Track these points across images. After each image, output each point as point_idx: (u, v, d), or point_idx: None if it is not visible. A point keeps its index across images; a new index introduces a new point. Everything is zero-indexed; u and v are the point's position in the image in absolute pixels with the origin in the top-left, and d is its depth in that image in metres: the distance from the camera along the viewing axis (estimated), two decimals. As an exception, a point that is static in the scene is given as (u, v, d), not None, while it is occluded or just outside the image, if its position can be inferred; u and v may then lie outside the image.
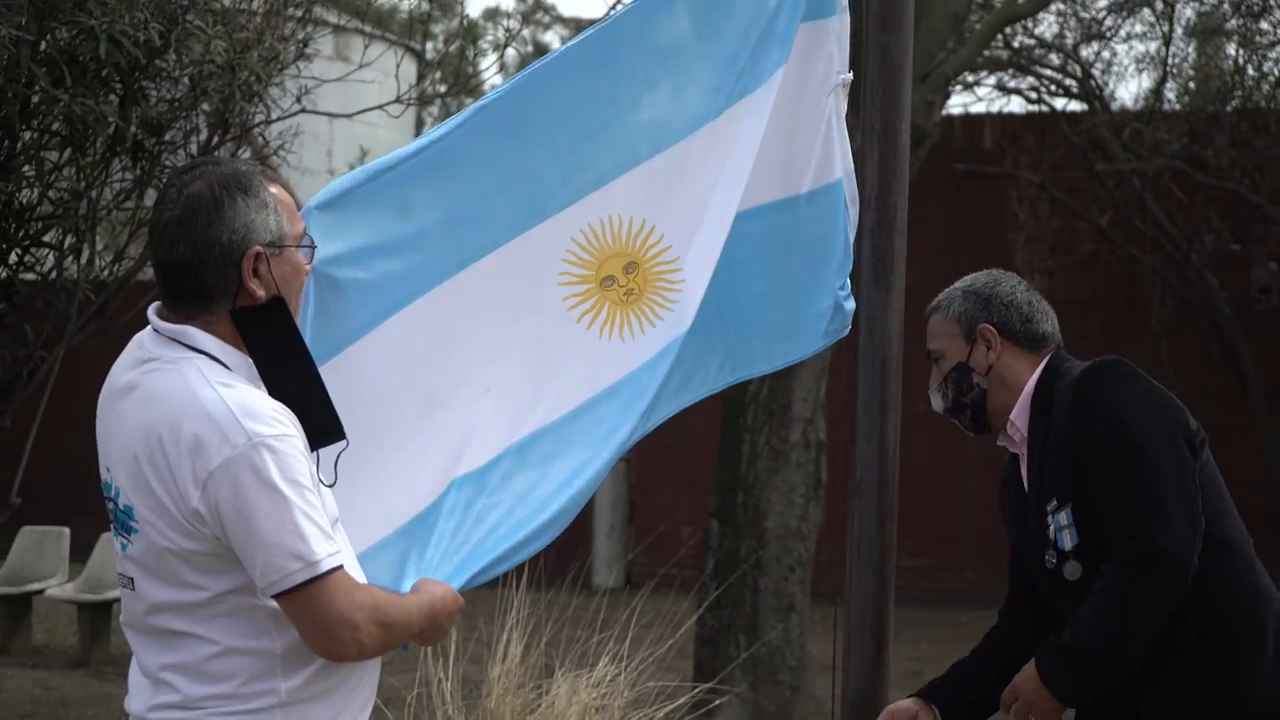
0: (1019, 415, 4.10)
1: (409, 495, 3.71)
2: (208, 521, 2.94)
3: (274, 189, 3.13)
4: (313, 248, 3.27)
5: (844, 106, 4.21)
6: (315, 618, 2.97)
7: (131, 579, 3.08)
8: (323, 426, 3.11)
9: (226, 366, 3.03)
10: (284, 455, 2.94)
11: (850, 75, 4.19)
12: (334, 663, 3.07)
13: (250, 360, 3.08)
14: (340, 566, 3.00)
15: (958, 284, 4.23)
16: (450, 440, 3.79)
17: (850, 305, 4.25)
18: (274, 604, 3.00)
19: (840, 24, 4.19)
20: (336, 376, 3.53)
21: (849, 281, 4.25)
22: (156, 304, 3.13)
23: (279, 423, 2.97)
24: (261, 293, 3.07)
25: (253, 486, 2.91)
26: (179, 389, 2.98)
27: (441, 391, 3.81)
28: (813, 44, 4.17)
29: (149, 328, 3.11)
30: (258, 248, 3.06)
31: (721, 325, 4.11)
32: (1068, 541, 3.95)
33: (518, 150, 3.90)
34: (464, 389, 3.83)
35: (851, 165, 4.23)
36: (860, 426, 4.20)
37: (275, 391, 3.05)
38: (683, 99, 4.08)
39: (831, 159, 4.20)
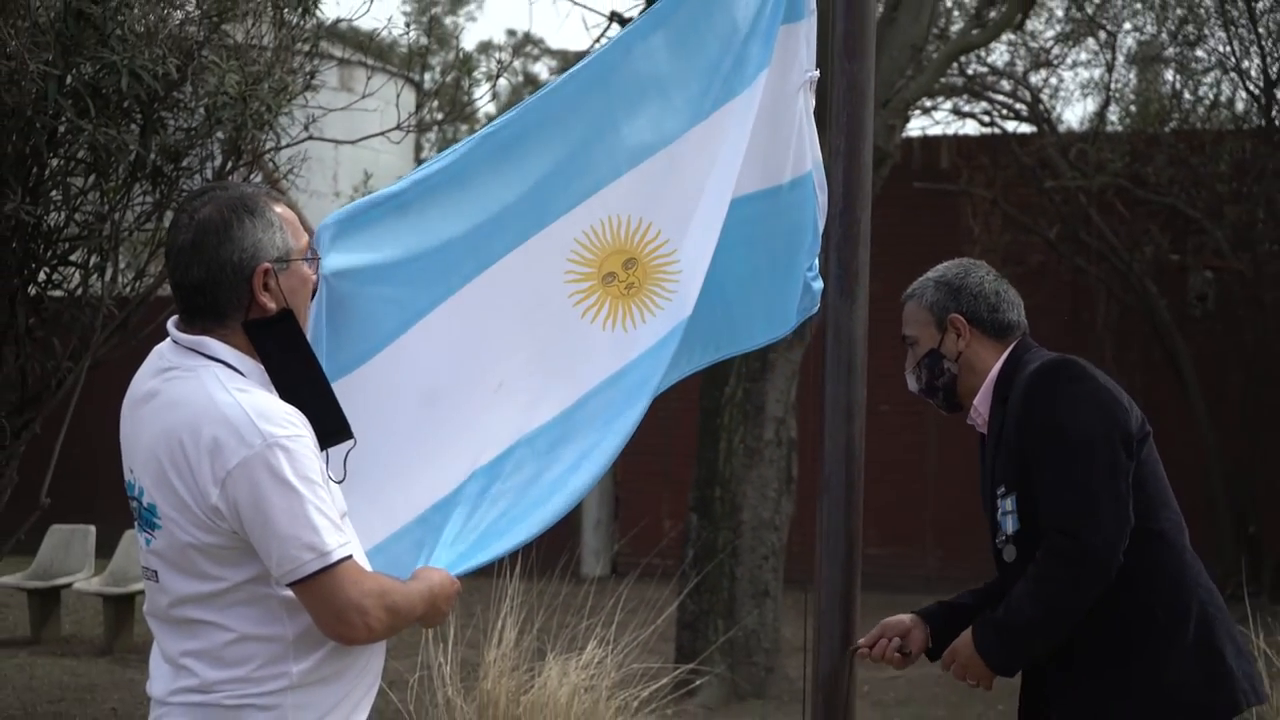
0: (982, 401, 4.12)
1: (429, 486, 3.74)
2: (226, 517, 2.96)
3: (278, 208, 3.15)
4: (317, 259, 3.29)
5: (813, 101, 4.24)
6: (328, 604, 2.99)
7: (155, 572, 3.09)
8: (331, 427, 3.12)
9: (241, 373, 3.05)
10: (296, 454, 2.96)
11: (817, 73, 4.22)
12: (344, 646, 3.08)
13: (263, 367, 3.10)
14: (350, 556, 3.01)
15: (930, 273, 4.23)
16: (468, 435, 3.82)
17: (818, 285, 4.27)
18: (287, 593, 3.02)
19: (809, 26, 4.22)
20: (367, 382, 3.63)
21: (816, 263, 4.27)
22: (175, 318, 3.14)
23: (291, 424, 2.99)
24: (272, 305, 3.09)
25: (268, 483, 2.93)
26: (198, 394, 3.00)
27: (459, 391, 3.84)
28: (788, 45, 4.20)
29: (168, 339, 3.13)
30: (266, 264, 3.08)
31: (709, 307, 4.12)
32: (1009, 526, 3.98)
33: (521, 166, 3.94)
34: (480, 386, 3.86)
35: (820, 155, 4.25)
36: (828, 426, 4.21)
37: (286, 396, 3.07)
38: (671, 107, 4.10)
39: (804, 151, 4.23)
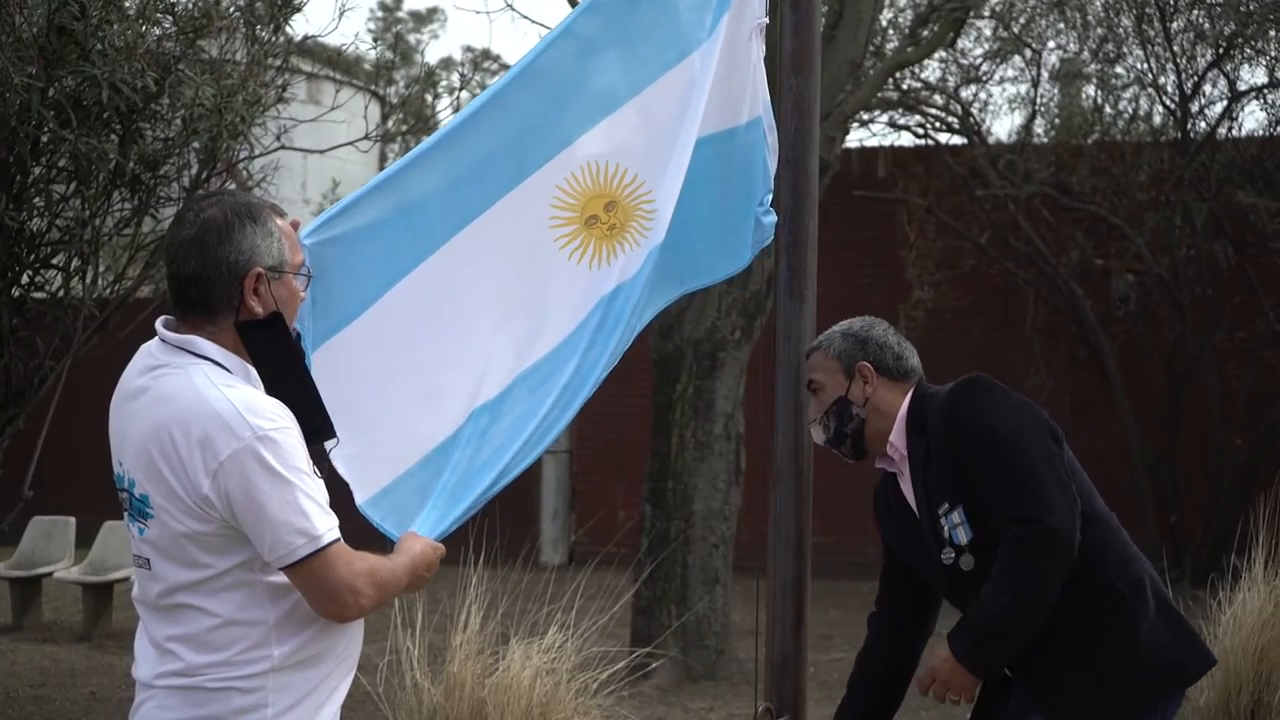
0: (897, 437, 4.12)
1: (430, 430, 3.76)
2: (217, 506, 2.95)
3: (280, 221, 3.16)
4: (309, 277, 3.29)
5: (763, 49, 4.22)
6: (320, 585, 3.00)
7: (148, 559, 3.07)
8: (316, 426, 3.11)
9: (229, 370, 3.04)
10: (284, 445, 2.96)
11: (767, 20, 4.22)
12: (335, 624, 3.09)
13: (248, 365, 3.09)
14: (339, 539, 3.02)
15: (836, 327, 4.25)
16: (465, 377, 3.84)
17: (769, 219, 4.23)
18: (271, 578, 3.02)
19: None
20: (361, 335, 3.65)
21: (768, 199, 4.23)
22: (164, 318, 3.13)
23: (278, 417, 2.99)
24: (260, 309, 3.09)
25: (258, 474, 2.93)
26: (187, 390, 2.99)
27: (453, 337, 3.86)
28: None
29: (156, 338, 3.11)
30: (259, 269, 3.07)
31: (674, 245, 4.11)
32: (963, 537, 3.97)
33: (500, 123, 3.96)
34: (474, 331, 3.88)
35: (769, 99, 4.23)
36: (779, 421, 4.21)
37: (273, 394, 3.06)
38: (639, 59, 4.12)
39: (757, 94, 4.21)
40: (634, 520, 10.73)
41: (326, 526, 2.99)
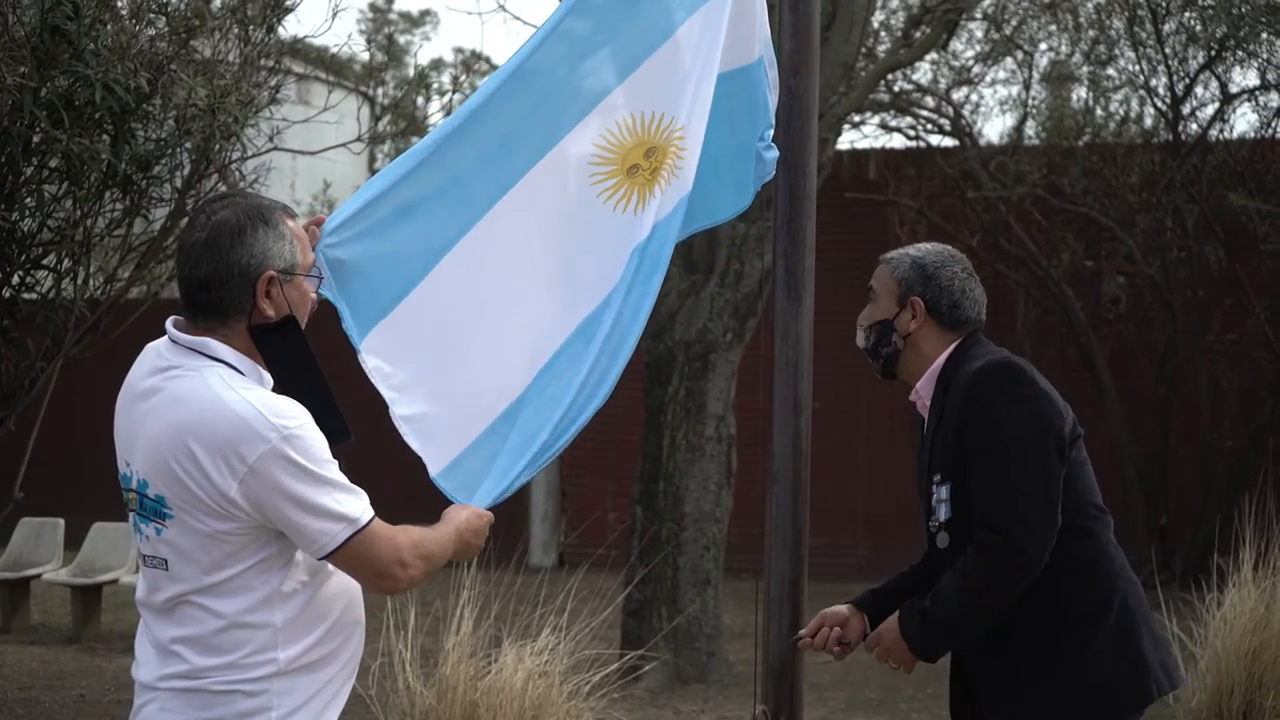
0: (925, 386, 4.06)
1: (495, 397, 3.76)
2: (243, 507, 2.96)
3: (291, 223, 3.16)
4: (320, 279, 3.31)
5: None
6: (367, 564, 3.06)
7: (165, 560, 3.06)
8: (330, 428, 3.10)
9: (242, 373, 3.05)
10: (308, 440, 2.98)
11: None
12: (387, 594, 3.15)
13: (260, 368, 3.10)
14: (374, 517, 3.05)
15: (912, 249, 4.18)
16: (525, 341, 3.83)
17: (771, 154, 4.19)
18: (280, 583, 3.03)
19: None
20: (414, 312, 3.67)
21: (769, 134, 4.20)
22: (173, 318, 3.12)
23: (298, 414, 3.00)
24: (271, 312, 3.09)
25: (288, 473, 2.94)
26: (203, 393, 2.99)
27: (510, 302, 3.86)
28: None
29: (165, 339, 3.11)
30: (272, 272, 3.08)
31: (697, 184, 4.11)
32: (943, 514, 3.95)
33: (526, 94, 3.94)
34: (529, 293, 3.89)
35: (769, 33, 4.23)
36: (777, 422, 4.20)
37: (290, 397, 3.07)
38: (665, 7, 4.11)
39: (764, 32, 4.21)
40: (624, 522, 10.73)
41: (361, 508, 3.03)
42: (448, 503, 3.51)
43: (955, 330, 4.09)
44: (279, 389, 3.08)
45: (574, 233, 3.96)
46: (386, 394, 3.67)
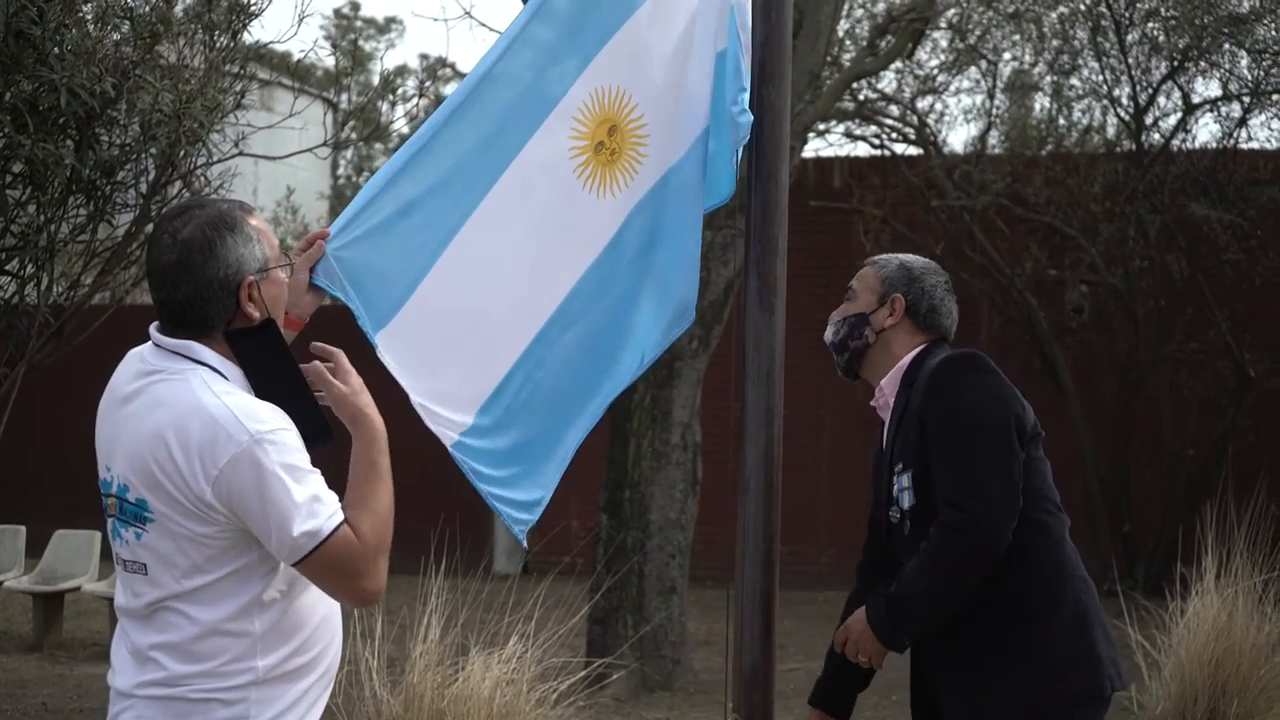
0: (889, 384, 4.15)
1: (483, 384, 3.92)
2: (220, 510, 2.95)
3: (253, 220, 3.14)
4: (290, 264, 3.30)
5: None
6: (334, 572, 3.00)
7: (144, 564, 3.05)
8: (310, 430, 3.08)
9: (225, 377, 3.04)
10: (281, 445, 2.95)
11: None
12: (362, 605, 3.09)
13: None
14: (342, 522, 2.99)
15: (902, 254, 4.32)
16: (513, 322, 3.98)
17: (746, 119, 4.15)
18: (261, 591, 3.01)
19: None
20: (422, 307, 3.76)
21: (744, 97, 4.17)
22: (158, 322, 3.11)
23: (274, 419, 2.98)
24: (257, 314, 3.09)
25: (259, 476, 2.92)
26: (184, 396, 2.98)
27: (504, 286, 3.95)
28: None
29: (148, 343, 3.11)
30: (250, 277, 3.08)
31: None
32: (906, 502, 4.01)
33: (511, 76, 3.97)
34: (517, 277, 3.97)
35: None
36: (749, 430, 4.21)
37: (266, 399, 3.05)
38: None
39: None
40: (589, 529, 10.72)
41: (326, 514, 2.97)
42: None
43: (926, 332, 4.20)
44: (258, 393, 3.06)
45: (551, 214, 4.03)
46: (404, 383, 3.76)
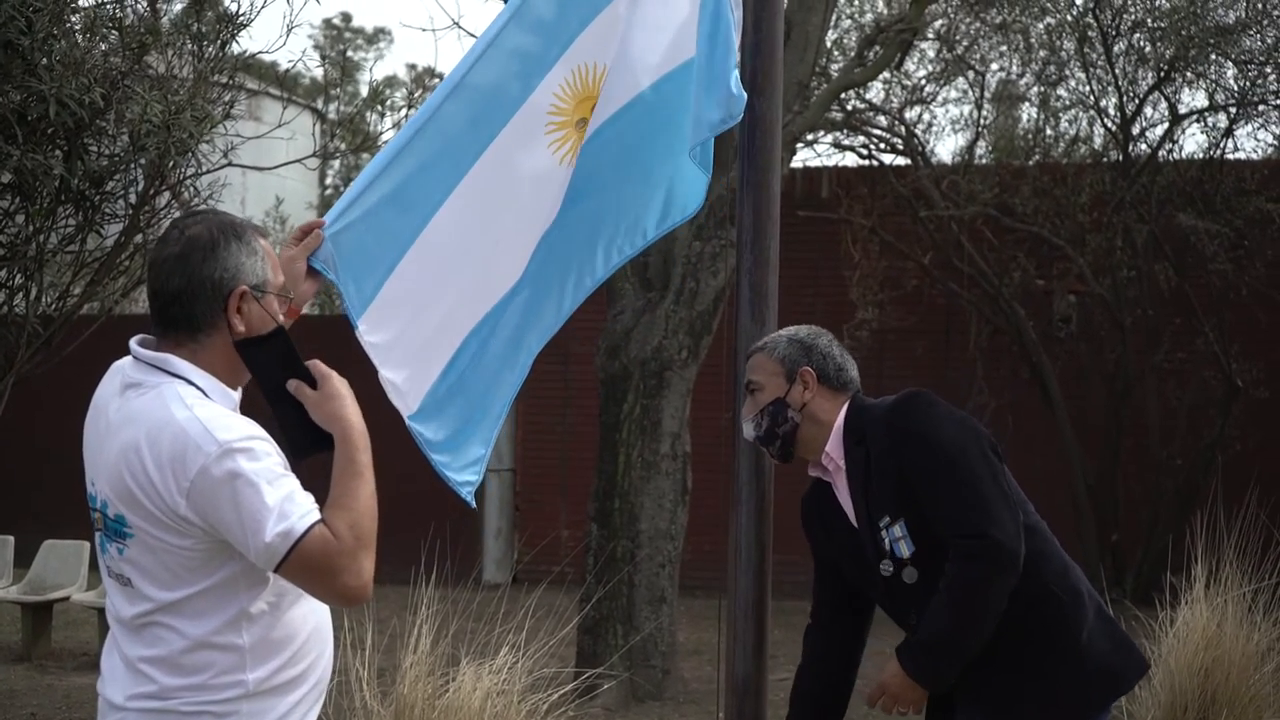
0: (834, 447, 4.16)
1: (449, 346, 3.98)
2: (195, 522, 2.92)
3: (263, 242, 3.13)
4: (290, 298, 3.28)
5: None
6: (314, 572, 2.95)
7: (129, 579, 3.03)
8: (316, 438, 3.06)
9: (203, 390, 3.01)
10: (251, 452, 2.91)
11: None
12: (349, 605, 3.03)
13: (226, 386, 3.06)
14: (317, 522, 2.94)
15: (782, 332, 4.29)
16: (480, 290, 4.04)
17: (741, 94, 4.04)
18: (247, 603, 2.99)
19: None
20: (398, 283, 3.83)
21: (735, 75, 4.09)
22: (139, 336, 3.10)
23: (245, 429, 2.95)
24: (242, 328, 3.05)
25: (231, 484, 2.88)
26: (157, 410, 2.95)
27: (475, 261, 4.01)
28: None
29: (129, 357, 3.08)
30: (244, 287, 3.05)
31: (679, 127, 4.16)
32: (904, 550, 4.00)
33: (496, 58, 4.01)
34: (487, 246, 4.02)
35: None
36: (739, 442, 4.20)
37: (278, 410, 3.04)
38: None
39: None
40: (578, 539, 10.70)
41: (299, 515, 2.91)
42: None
43: (844, 390, 4.22)
44: (269, 402, 3.04)
45: (523, 191, 4.07)
46: (376, 360, 3.82)
